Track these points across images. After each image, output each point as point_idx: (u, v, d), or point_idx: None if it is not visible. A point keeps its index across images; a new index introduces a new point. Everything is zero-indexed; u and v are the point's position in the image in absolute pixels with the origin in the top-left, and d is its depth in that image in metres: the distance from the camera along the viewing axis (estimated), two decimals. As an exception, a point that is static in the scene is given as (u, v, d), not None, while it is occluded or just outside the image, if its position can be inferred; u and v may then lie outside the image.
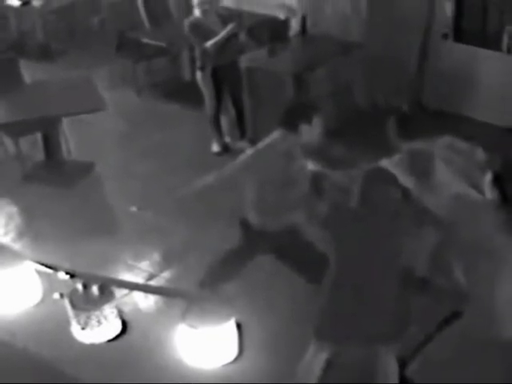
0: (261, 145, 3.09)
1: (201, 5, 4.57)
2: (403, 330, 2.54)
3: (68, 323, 3.15)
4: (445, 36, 5.21)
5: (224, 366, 3.01)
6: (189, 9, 5.03)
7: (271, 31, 5.47)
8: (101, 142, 5.17)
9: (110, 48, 6.04)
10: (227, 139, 5.07)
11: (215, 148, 4.99)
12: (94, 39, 6.77)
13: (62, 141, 4.76)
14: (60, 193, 4.45)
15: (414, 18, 5.14)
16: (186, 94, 5.60)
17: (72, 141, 4.91)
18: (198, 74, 4.78)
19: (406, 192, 2.52)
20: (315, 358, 2.65)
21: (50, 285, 3.40)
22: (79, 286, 3.13)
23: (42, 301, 3.40)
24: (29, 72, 5.23)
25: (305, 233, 3.05)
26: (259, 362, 3.08)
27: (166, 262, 3.83)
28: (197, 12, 4.63)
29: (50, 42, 6.81)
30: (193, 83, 5.03)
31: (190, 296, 3.16)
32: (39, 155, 4.79)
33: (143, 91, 5.92)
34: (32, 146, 4.85)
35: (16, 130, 4.60)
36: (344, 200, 2.57)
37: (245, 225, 3.16)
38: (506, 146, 3.76)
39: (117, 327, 3.21)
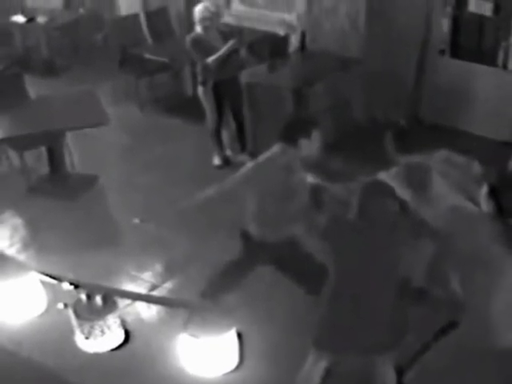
0: (261, 158, 3.12)
1: (202, 21, 4.64)
2: (401, 339, 2.57)
3: (72, 333, 3.19)
4: (441, 52, 5.28)
5: (225, 374, 3.04)
6: (190, 25, 5.10)
7: (271, 47, 5.51)
8: (104, 156, 5.20)
9: (113, 63, 6.10)
10: (228, 153, 5.10)
11: (216, 161, 5.02)
12: (97, 55, 6.83)
13: (66, 154, 4.80)
14: (64, 205, 4.48)
15: (412, 35, 5.20)
16: (187, 108, 5.66)
17: (76, 154, 4.96)
18: (200, 89, 4.83)
19: (403, 204, 2.55)
20: (314, 367, 2.67)
21: (54, 295, 3.44)
22: (83, 297, 3.17)
23: (47, 311, 3.43)
24: (34, 87, 5.29)
25: (304, 244, 3.07)
26: (259, 371, 3.10)
27: (168, 272, 3.85)
28: (198, 28, 4.70)
29: (54, 58, 6.87)
30: (194, 98, 5.10)
31: (192, 306, 3.19)
32: (44, 168, 4.81)
33: (146, 106, 5.98)
34: (37, 159, 4.88)
35: (21, 143, 4.63)
36: (343, 212, 2.59)
37: (245, 236, 3.19)
38: (501, 160, 3.80)
39: (120, 337, 3.25)
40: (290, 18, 5.80)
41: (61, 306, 3.40)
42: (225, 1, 6.13)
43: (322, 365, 2.66)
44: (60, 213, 4.40)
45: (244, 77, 4.92)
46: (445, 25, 5.17)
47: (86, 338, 3.15)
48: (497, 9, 4.90)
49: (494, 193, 2.55)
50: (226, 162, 5.02)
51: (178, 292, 3.68)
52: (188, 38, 4.71)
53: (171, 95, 6.19)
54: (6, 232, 4.29)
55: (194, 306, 3.20)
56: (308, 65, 5.31)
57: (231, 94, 4.84)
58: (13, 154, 4.85)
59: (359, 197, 2.52)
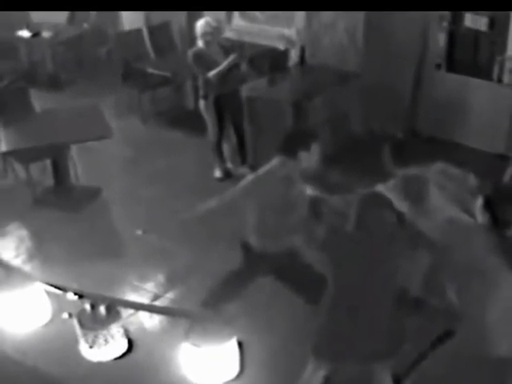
0: (261, 171, 3.17)
1: (204, 36, 4.70)
2: (398, 347, 2.60)
3: (76, 342, 3.23)
4: (438, 66, 5.34)
5: (226, 383, 3.08)
6: (192, 40, 5.15)
7: (271, 61, 5.56)
8: (107, 168, 5.25)
9: (116, 78, 6.17)
10: (229, 165, 5.15)
11: (217, 174, 5.07)
12: (101, 69, 6.90)
13: (70, 167, 4.85)
14: (68, 217, 4.52)
15: (409, 49, 5.27)
16: (189, 121, 5.71)
17: (80, 167, 5.01)
18: (201, 103, 4.89)
19: (400, 216, 2.58)
20: (313, 376, 2.70)
21: (59, 305, 3.47)
22: (87, 306, 3.21)
23: (52, 320, 3.47)
24: (39, 101, 5.35)
25: (303, 255, 3.07)
26: (259, 380, 3.13)
27: (170, 283, 3.88)
28: (200, 43, 4.76)
29: (59, 72, 6.94)
30: (196, 111, 5.15)
31: (194, 316, 3.23)
32: (48, 181, 4.86)
33: (148, 119, 6.04)
34: (42, 171, 4.93)
35: (26, 156, 4.68)
36: (341, 224, 2.61)
37: (246, 247, 3.21)
38: (496, 172, 3.85)
39: (123, 346, 3.29)
40: (290, 32, 5.89)
41: (65, 315, 3.43)
42: (226, 16, 6.21)
43: (321, 373, 2.69)
44: (64, 224, 4.44)
45: (245, 91, 4.97)
46: (441, 39, 5.24)
47: (90, 347, 3.18)
48: (492, 24, 4.98)
49: (489, 204, 2.58)
50: (227, 174, 5.06)
51: (179, 302, 3.71)
52: (190, 53, 4.78)
53: (173, 109, 6.25)
54: (12, 243, 4.33)
55: (195, 315, 3.23)
56: (307, 79, 5.37)
57: (232, 107, 4.89)
58: (18, 167, 4.90)
59: (357, 208, 2.56)
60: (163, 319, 3.58)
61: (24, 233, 4.48)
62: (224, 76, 4.71)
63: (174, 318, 3.51)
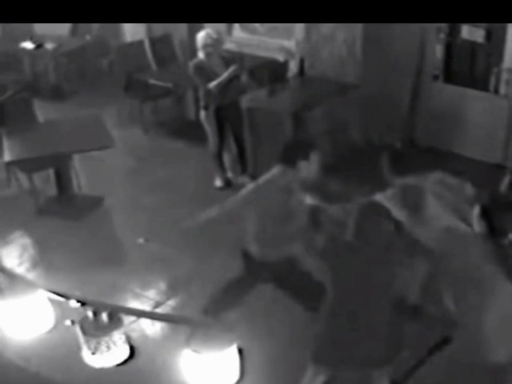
0: (261, 180, 3.22)
1: (205, 48, 4.77)
2: (396, 354, 2.63)
3: (79, 348, 3.22)
4: (435, 77, 5.39)
5: (226, 388, 3.10)
6: (193, 51, 5.22)
7: (271, 73, 5.57)
8: (110, 178, 5.30)
9: (118, 88, 6.22)
10: (229, 175, 5.20)
11: (218, 183, 5.12)
12: (103, 80, 6.96)
13: (73, 176, 4.90)
14: (71, 225, 4.56)
15: (407, 60, 5.32)
16: (190, 132, 5.75)
17: (82, 176, 5.06)
18: (202, 114, 4.94)
19: (398, 225, 2.61)
20: (313, 381, 2.73)
21: (61, 312, 3.47)
22: (89, 314, 3.24)
23: (55, 327, 3.46)
24: (42, 111, 5.42)
25: (303, 263, 3.12)
26: (260, 385, 3.17)
27: (172, 290, 3.92)
28: (201, 54, 4.83)
29: (61, 83, 6.99)
30: (197, 122, 5.19)
31: (195, 323, 3.26)
32: (52, 190, 4.90)
33: (150, 129, 6.09)
34: (45, 181, 4.97)
35: (30, 165, 4.73)
36: (340, 232, 2.64)
37: (246, 255, 3.25)
38: (492, 181, 3.91)
39: (125, 352, 3.30)
40: (290, 44, 5.93)
41: (68, 322, 3.44)
42: (226, 28, 6.27)
43: (320, 379, 2.72)
44: (67, 233, 4.49)
45: (245, 101, 5.01)
46: (438, 51, 5.29)
47: (93, 353, 3.18)
48: (488, 36, 5.03)
49: (485, 213, 2.62)
50: (228, 183, 5.11)
51: (181, 309, 3.74)
52: (191, 64, 4.83)
53: (174, 119, 6.30)
54: (16, 251, 4.37)
55: (196, 322, 3.25)
56: (306, 90, 5.40)
57: (232, 118, 4.94)
58: (22, 176, 4.94)
59: (356, 217, 2.59)
60: (164, 326, 3.61)
61: (27, 241, 4.51)
62: (224, 87, 4.76)
63: (175, 325, 3.52)
